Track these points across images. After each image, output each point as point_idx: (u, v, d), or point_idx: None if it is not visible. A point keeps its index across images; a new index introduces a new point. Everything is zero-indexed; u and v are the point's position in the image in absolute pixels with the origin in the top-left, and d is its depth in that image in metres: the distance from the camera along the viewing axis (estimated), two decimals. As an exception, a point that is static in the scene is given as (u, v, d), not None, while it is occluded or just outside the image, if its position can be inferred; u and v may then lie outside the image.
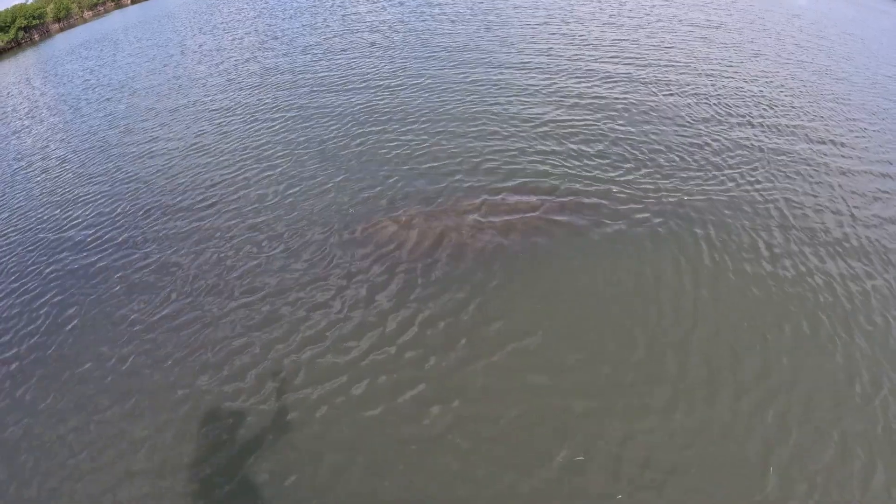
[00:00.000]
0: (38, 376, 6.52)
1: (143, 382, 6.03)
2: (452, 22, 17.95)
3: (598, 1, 19.39)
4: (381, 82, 13.19)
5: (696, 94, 11.07)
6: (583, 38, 14.86)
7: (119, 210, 9.92)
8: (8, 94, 24.49)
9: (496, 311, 6.00)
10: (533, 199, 7.73)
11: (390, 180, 8.72)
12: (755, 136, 9.44)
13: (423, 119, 10.80)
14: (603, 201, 7.56)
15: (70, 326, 7.21)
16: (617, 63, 12.75)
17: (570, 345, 5.50)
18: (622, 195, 7.68)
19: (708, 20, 17.51)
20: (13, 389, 6.43)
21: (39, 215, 10.78)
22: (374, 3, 23.26)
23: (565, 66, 12.67)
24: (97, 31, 36.12)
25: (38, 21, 46.75)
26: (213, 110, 14.02)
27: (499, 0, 20.29)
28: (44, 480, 5.26)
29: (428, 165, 9.00)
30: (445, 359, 5.53)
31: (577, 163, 8.55)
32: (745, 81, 11.97)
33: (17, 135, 17.41)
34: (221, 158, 10.85)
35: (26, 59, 34.28)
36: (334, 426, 5.06)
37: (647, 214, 7.26)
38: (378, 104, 11.90)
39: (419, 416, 5.00)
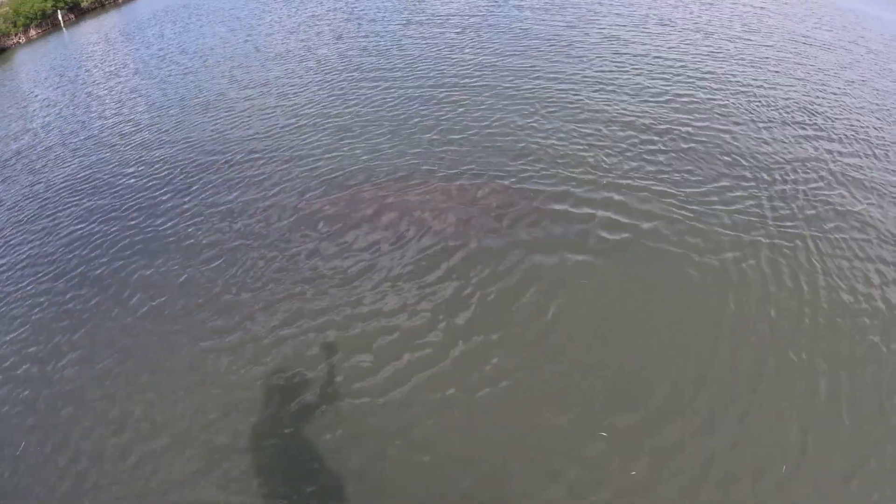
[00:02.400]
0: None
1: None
2: (533, 10, 17.45)
3: (687, 7, 18.44)
4: (470, 74, 12.96)
5: (793, 122, 10.28)
6: (677, 45, 14.10)
7: (189, 199, 10.01)
8: (88, 55, 25.15)
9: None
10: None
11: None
12: (863, 179, 8.63)
13: (491, 109, 10.95)
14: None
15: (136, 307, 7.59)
16: (713, 78, 12.01)
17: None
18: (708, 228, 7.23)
19: (806, 36, 16.42)
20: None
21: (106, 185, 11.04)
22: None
23: (654, 73, 12.07)
24: (181, -4, 36.67)
25: (121, -17, 47.85)
26: (297, 92, 14.01)
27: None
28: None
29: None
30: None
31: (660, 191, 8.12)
32: (853, 112, 11.05)
33: (91, 96, 17.81)
34: (299, 151, 10.79)
35: (109, 20, 35.18)
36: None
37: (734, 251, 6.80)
38: (463, 95, 11.77)
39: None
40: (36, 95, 20.83)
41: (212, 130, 12.64)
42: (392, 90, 12.63)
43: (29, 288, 8.55)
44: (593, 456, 4.73)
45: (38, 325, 7.66)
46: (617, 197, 7.86)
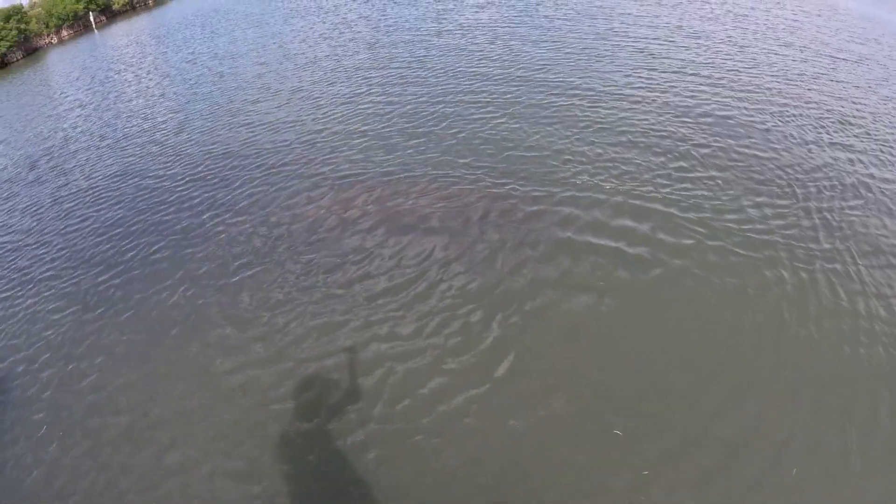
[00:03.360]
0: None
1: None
2: (564, 21, 17.33)
3: (719, 20, 18.18)
4: (502, 88, 12.87)
5: (829, 142, 9.99)
6: (709, 61, 13.87)
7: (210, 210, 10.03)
8: (118, 57, 25.54)
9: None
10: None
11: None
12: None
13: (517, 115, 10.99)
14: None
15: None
16: (746, 95, 11.76)
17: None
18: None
19: (839, 49, 16.03)
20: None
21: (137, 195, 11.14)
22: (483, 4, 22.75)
23: (686, 90, 11.87)
24: (211, 1, 37.07)
25: (152, -14, 48.62)
26: (329, 100, 14.08)
27: (615, 9, 19.40)
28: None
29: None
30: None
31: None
32: (890, 130, 10.70)
33: (121, 98, 18.02)
34: (331, 160, 10.79)
35: (140, 23, 35.73)
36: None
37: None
38: (495, 109, 11.68)
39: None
40: (66, 96, 21.18)
41: (243, 137, 12.70)
42: (424, 101, 12.58)
43: (55, 292, 8.62)
44: (623, 489, 4.62)
45: (66, 329, 7.71)
46: (648, 222, 7.67)
